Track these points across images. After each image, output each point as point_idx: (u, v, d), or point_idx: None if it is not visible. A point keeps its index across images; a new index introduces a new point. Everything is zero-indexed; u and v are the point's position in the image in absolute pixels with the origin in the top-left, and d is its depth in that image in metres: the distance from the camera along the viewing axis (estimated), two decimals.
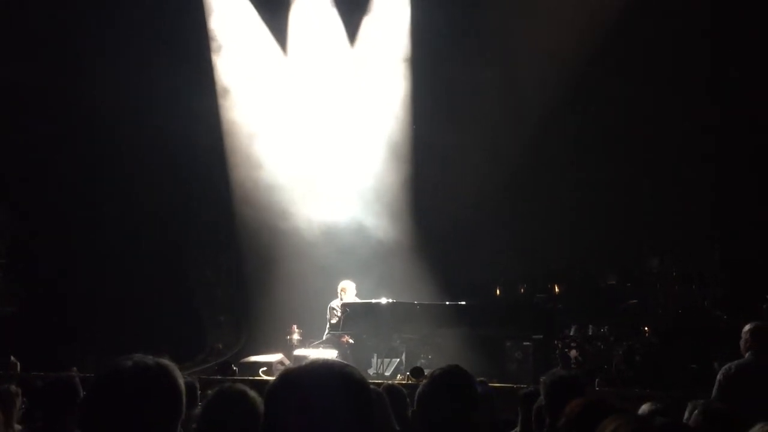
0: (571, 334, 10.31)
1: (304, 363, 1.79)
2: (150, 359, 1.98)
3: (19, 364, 9.37)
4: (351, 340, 10.18)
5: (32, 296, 11.73)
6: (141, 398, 1.92)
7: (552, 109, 11.75)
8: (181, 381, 2.02)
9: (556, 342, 10.09)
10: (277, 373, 1.80)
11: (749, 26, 10.86)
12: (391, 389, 4.50)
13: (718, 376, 5.38)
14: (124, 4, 11.69)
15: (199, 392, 4.67)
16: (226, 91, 12.78)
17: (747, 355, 5.42)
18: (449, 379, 2.98)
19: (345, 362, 1.89)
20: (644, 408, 3.69)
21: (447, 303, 10.24)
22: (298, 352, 9.91)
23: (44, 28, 11.38)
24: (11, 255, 11.99)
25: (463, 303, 10.25)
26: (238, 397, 2.73)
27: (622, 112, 11.75)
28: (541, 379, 4.01)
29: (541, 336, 9.91)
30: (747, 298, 10.05)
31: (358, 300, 10.56)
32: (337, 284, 10.73)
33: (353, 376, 1.75)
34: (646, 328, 10.24)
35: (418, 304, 10.21)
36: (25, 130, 11.65)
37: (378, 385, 4.82)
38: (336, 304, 10.55)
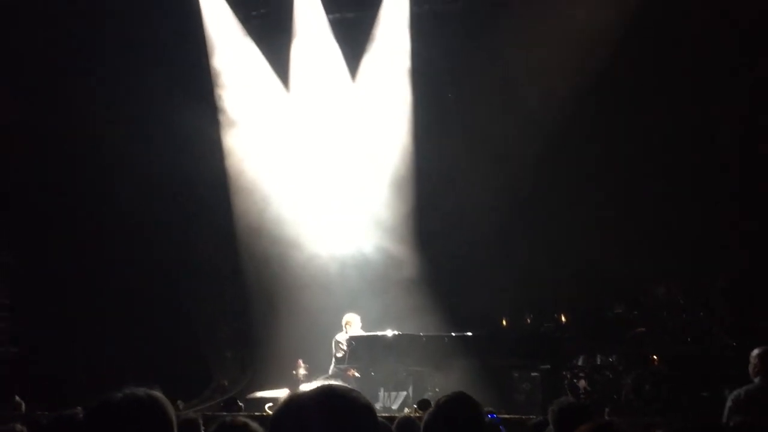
0: (580, 364, 10.23)
1: (310, 388, 1.80)
2: (141, 391, 2.04)
3: (23, 403, 9.33)
4: (357, 374, 10.11)
5: (36, 336, 11.70)
6: (131, 428, 1.96)
7: (558, 140, 11.75)
8: (172, 412, 2.07)
9: (564, 372, 10.00)
10: (282, 393, 1.81)
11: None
12: (406, 422, 4.47)
13: (728, 402, 5.34)
14: (128, 39, 11.82)
15: (202, 429, 4.63)
16: (229, 126, 12.88)
17: (756, 380, 5.38)
18: (455, 407, 2.96)
19: (350, 387, 1.89)
20: None
21: (453, 334, 10.17)
22: (304, 386, 9.83)
23: (45, 66, 11.52)
24: (15, 296, 12.01)
25: (470, 334, 10.19)
26: (240, 429, 2.73)
27: (629, 142, 11.74)
28: (550, 408, 4.00)
29: (549, 366, 9.82)
30: (755, 324, 9.96)
31: (363, 333, 10.51)
32: (342, 317, 10.69)
33: (358, 401, 1.75)
34: (654, 357, 10.16)
35: (424, 336, 10.15)
36: (26, 168, 11.74)
37: (389, 419, 4.77)
38: (341, 337, 10.51)
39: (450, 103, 12.32)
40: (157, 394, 2.05)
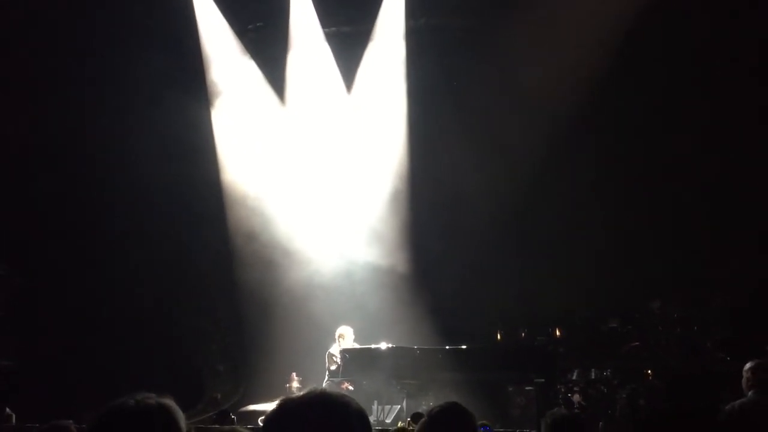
0: (574, 378, 10.21)
1: (301, 393, 1.79)
2: (152, 399, 2.01)
3: (14, 416, 9.26)
4: (351, 387, 10.06)
5: (29, 349, 11.62)
6: None
7: (553, 154, 11.76)
8: (183, 422, 2.02)
9: (558, 386, 9.98)
10: (275, 403, 1.80)
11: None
12: None
13: (722, 417, 5.32)
14: (123, 50, 11.82)
15: None
16: (225, 138, 12.90)
17: (749, 394, 5.37)
18: (448, 417, 2.95)
19: (342, 393, 1.88)
20: None
21: (447, 347, 10.14)
22: None
23: (43, 86, 11.52)
24: (9, 308, 11.94)
25: (464, 347, 10.15)
26: None
27: (629, 157, 11.74)
28: (543, 420, 4.00)
29: (543, 380, 9.79)
30: (750, 339, 9.96)
31: (356, 345, 10.47)
32: (335, 330, 10.66)
33: (350, 405, 1.74)
34: (649, 372, 10.15)
35: (418, 349, 10.10)
36: (24, 186, 11.70)
37: None
38: (335, 350, 10.47)
39: (448, 115, 12.30)
40: (169, 402, 2.02)
